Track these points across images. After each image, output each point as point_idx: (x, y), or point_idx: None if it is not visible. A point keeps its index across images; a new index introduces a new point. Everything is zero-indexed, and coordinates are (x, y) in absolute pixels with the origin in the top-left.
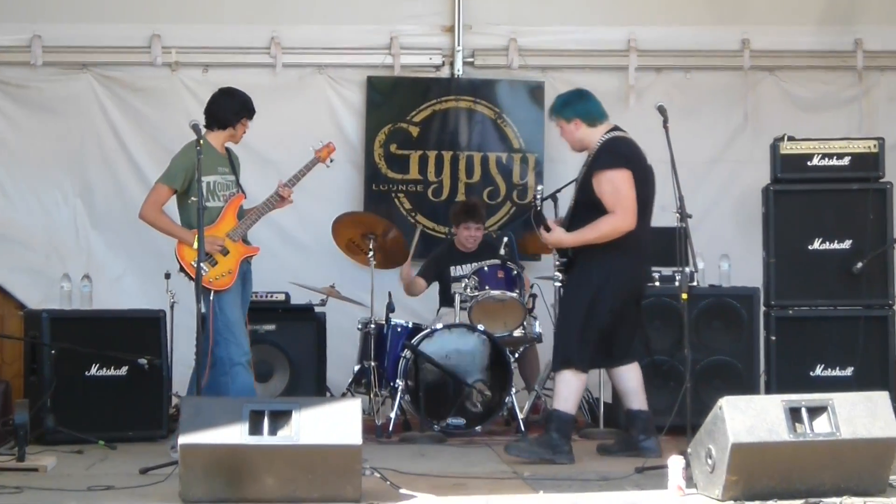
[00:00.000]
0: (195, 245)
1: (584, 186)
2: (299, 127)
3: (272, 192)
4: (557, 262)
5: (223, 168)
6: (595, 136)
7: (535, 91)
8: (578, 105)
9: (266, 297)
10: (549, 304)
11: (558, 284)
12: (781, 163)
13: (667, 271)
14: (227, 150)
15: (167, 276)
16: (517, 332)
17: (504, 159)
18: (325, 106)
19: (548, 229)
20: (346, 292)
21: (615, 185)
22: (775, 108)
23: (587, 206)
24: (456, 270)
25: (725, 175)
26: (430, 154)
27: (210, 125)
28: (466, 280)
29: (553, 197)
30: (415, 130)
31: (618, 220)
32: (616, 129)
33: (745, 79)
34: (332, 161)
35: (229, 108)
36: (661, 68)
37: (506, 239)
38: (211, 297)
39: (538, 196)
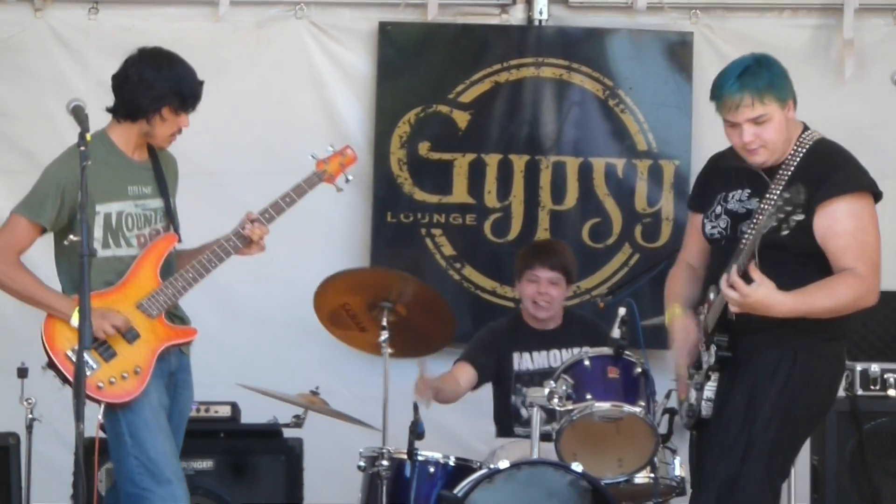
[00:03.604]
0: (75, 321)
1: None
2: (261, 112)
3: (231, 231)
4: (716, 343)
5: (140, 187)
6: (793, 133)
7: (678, 49)
8: (789, 76)
9: (199, 411)
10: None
11: (708, 394)
12: None
13: None
14: (153, 152)
15: (22, 373)
16: (641, 477)
17: (621, 169)
18: (306, 74)
19: (748, 280)
20: (340, 402)
21: (863, 225)
22: None
23: (783, 253)
24: (522, 361)
25: None
26: (490, 160)
27: (117, 112)
28: (551, 383)
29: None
30: (462, 118)
31: (864, 287)
32: (806, 126)
33: None
34: (348, 180)
35: (145, 86)
36: None
37: (623, 311)
38: (100, 417)
39: (798, 197)
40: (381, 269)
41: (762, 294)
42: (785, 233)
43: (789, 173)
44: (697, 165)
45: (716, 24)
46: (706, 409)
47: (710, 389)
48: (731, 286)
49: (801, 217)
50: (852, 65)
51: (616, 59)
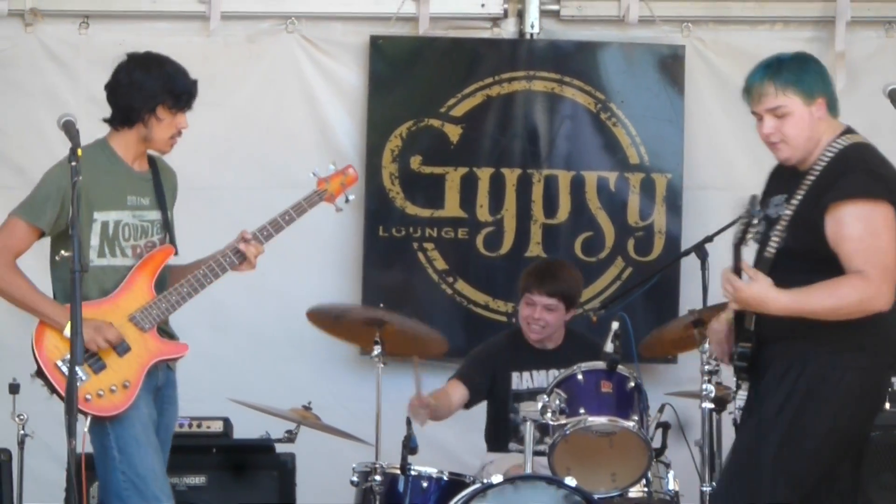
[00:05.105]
0: (69, 332)
1: (803, 223)
2: (253, 126)
3: (227, 247)
4: (737, 354)
5: (138, 197)
6: (827, 135)
7: (669, 63)
8: (826, 76)
9: (190, 426)
10: (694, 439)
11: (739, 403)
12: None
13: None
14: (153, 161)
15: (14, 388)
16: (635, 492)
17: (613, 182)
18: (297, 89)
19: (738, 275)
20: (333, 417)
21: (873, 229)
22: None
23: (800, 260)
24: (522, 380)
25: None
26: (482, 173)
27: (114, 120)
28: (545, 398)
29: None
30: (454, 132)
31: (871, 289)
32: (850, 130)
33: None
34: (348, 200)
35: (136, 88)
36: (894, 21)
37: (616, 325)
38: (85, 429)
39: (753, 209)
40: (361, 308)
41: (756, 290)
42: (787, 239)
43: (814, 178)
44: (689, 179)
45: (708, 38)
46: (737, 417)
47: (740, 399)
48: (728, 282)
49: (759, 229)
50: (844, 77)
51: (608, 72)
